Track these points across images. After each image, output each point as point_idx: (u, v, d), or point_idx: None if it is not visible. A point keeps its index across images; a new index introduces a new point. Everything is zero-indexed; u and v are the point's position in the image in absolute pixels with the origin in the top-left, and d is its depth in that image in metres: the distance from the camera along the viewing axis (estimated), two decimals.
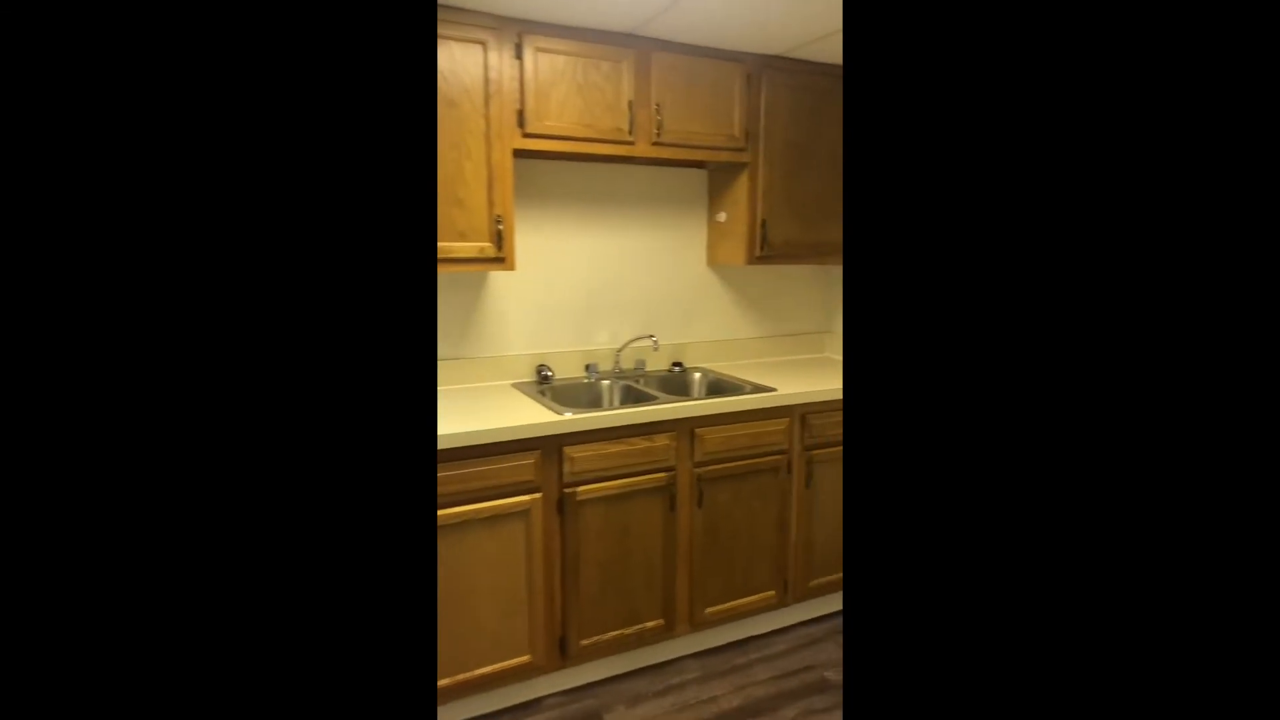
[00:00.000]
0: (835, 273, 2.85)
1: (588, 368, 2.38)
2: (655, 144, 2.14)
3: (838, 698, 1.96)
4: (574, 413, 1.87)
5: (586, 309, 2.42)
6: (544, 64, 1.95)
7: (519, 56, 1.92)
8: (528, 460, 1.80)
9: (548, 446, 1.83)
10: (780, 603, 2.25)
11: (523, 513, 1.82)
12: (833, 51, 2.25)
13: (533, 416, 1.83)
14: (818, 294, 2.87)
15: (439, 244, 1.88)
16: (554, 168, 2.30)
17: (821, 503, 2.28)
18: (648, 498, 1.99)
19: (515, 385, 2.23)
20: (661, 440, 1.98)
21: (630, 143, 2.10)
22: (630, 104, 2.08)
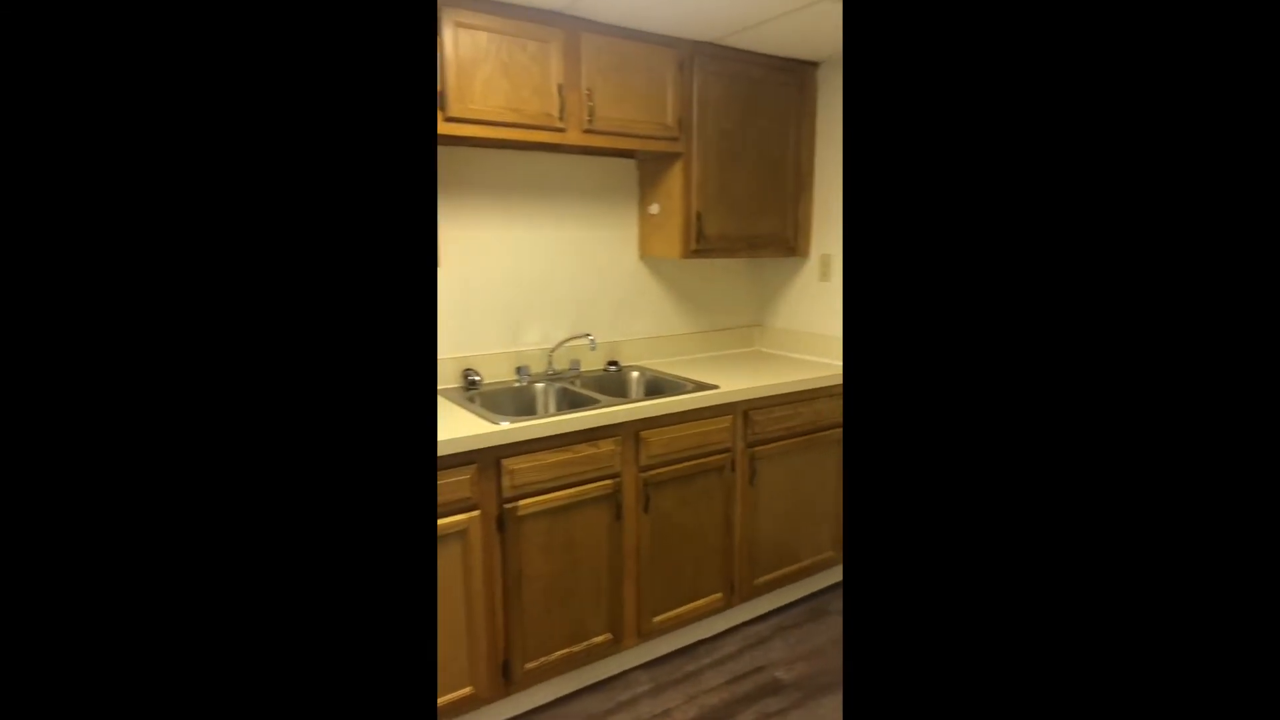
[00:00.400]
0: (766, 265, 2.83)
1: (519, 370, 2.24)
2: (587, 131, 2.02)
3: (791, 699, 1.94)
4: (511, 421, 1.72)
5: (515, 307, 2.26)
6: (466, 41, 1.78)
7: (438, 31, 1.74)
8: (463, 476, 1.64)
9: (484, 459, 1.68)
10: (727, 604, 2.20)
11: (459, 533, 1.66)
12: (764, 40, 2.20)
13: (466, 428, 1.68)
14: (749, 287, 2.84)
15: None
16: (478, 155, 2.12)
17: (765, 499, 2.24)
18: (593, 507, 1.88)
19: (440, 392, 2.05)
20: (606, 446, 1.87)
21: (561, 129, 1.97)
22: (560, 88, 1.94)
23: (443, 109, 1.77)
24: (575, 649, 1.90)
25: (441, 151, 2.05)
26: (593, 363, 2.43)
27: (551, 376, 2.26)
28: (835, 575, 2.55)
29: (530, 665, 1.82)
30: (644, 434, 1.94)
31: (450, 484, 1.62)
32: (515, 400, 2.15)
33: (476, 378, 2.14)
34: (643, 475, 1.96)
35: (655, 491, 1.99)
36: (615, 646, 1.98)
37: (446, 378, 2.14)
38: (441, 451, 1.60)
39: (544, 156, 2.25)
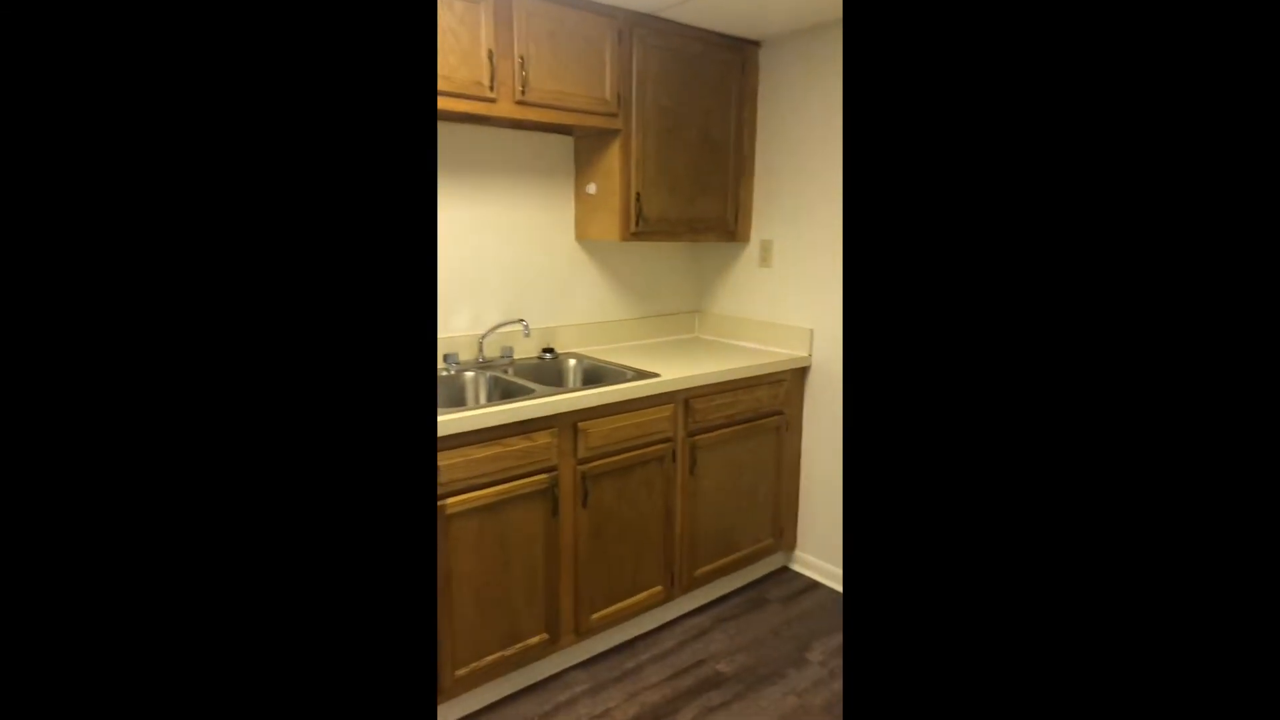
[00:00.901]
0: (705, 250, 2.77)
1: (446, 358, 2.10)
2: (520, 103, 1.89)
3: (733, 691, 1.90)
4: (440, 415, 1.60)
5: (443, 291, 2.12)
6: None
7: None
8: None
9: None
10: (667, 597, 2.15)
11: None
12: (701, 13, 2.12)
13: None
14: (688, 272, 2.78)
15: None
16: None
17: (705, 489, 2.19)
18: (527, 503, 1.78)
19: None
20: (542, 438, 1.76)
21: (491, 99, 1.83)
22: (490, 54, 1.81)
23: None
24: (509, 652, 1.80)
25: None
26: (527, 350, 2.31)
27: (482, 365, 2.14)
28: (774, 563, 2.54)
29: (461, 672, 1.71)
30: (582, 425, 1.84)
31: None
32: (443, 391, 2.02)
33: None
34: (581, 468, 1.87)
35: (594, 484, 1.90)
36: (552, 646, 1.90)
37: None
38: None
39: (474, 130, 2.11)
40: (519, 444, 1.72)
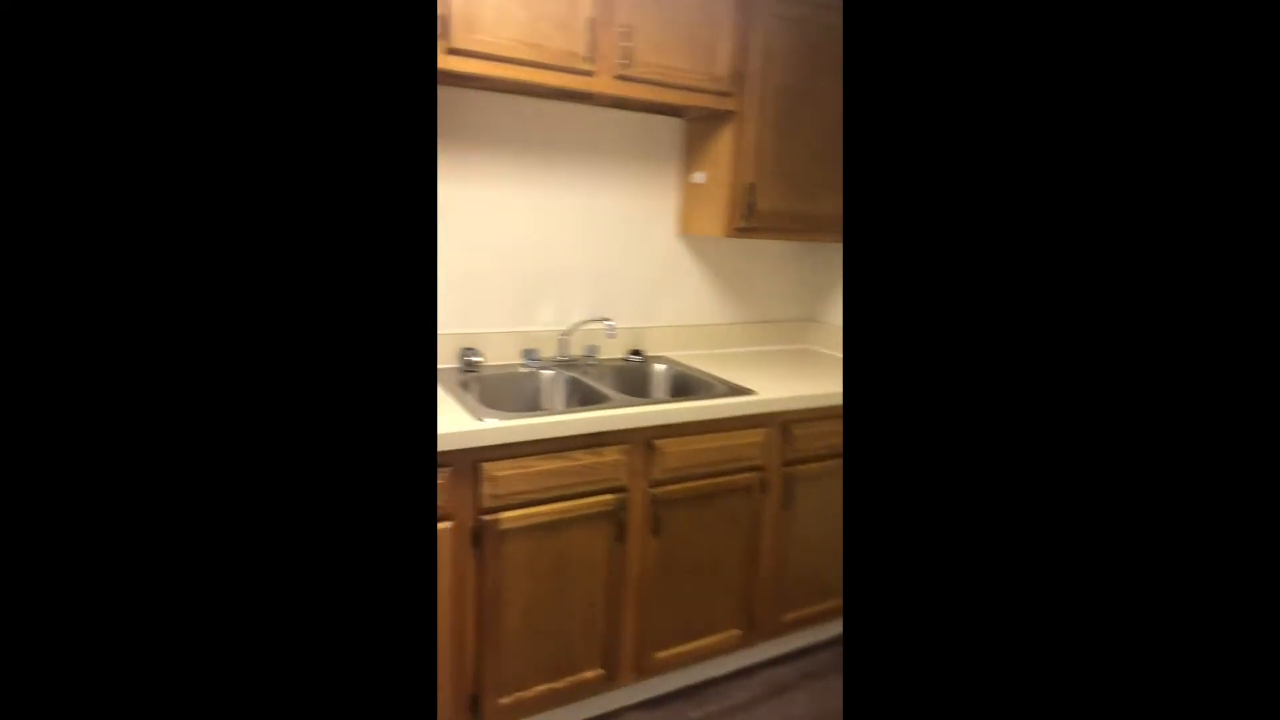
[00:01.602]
0: (825, 252, 2.46)
1: (526, 354, 1.95)
2: (620, 78, 1.69)
3: None
4: (498, 419, 1.44)
5: (528, 282, 1.97)
6: None
7: None
8: (439, 480, 1.37)
9: (460, 462, 1.41)
10: (745, 642, 1.90)
11: None
12: None
13: (443, 422, 1.40)
14: (803, 275, 2.48)
15: None
16: (487, 101, 1.83)
17: (801, 526, 1.91)
18: (590, 525, 1.59)
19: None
20: (611, 455, 1.57)
21: (588, 73, 1.65)
22: (591, 22, 1.62)
23: (444, 37, 1.47)
24: (560, 684, 1.63)
25: (444, 92, 1.76)
26: (613, 350, 2.13)
27: (563, 363, 1.97)
28: None
29: (504, 700, 1.56)
30: (659, 442, 1.63)
31: None
32: (516, 389, 1.87)
33: (477, 359, 1.87)
34: (653, 491, 1.65)
35: (667, 511, 1.69)
36: (608, 683, 1.71)
37: (443, 356, 1.87)
38: None
39: (570, 108, 1.94)
40: (584, 459, 1.54)
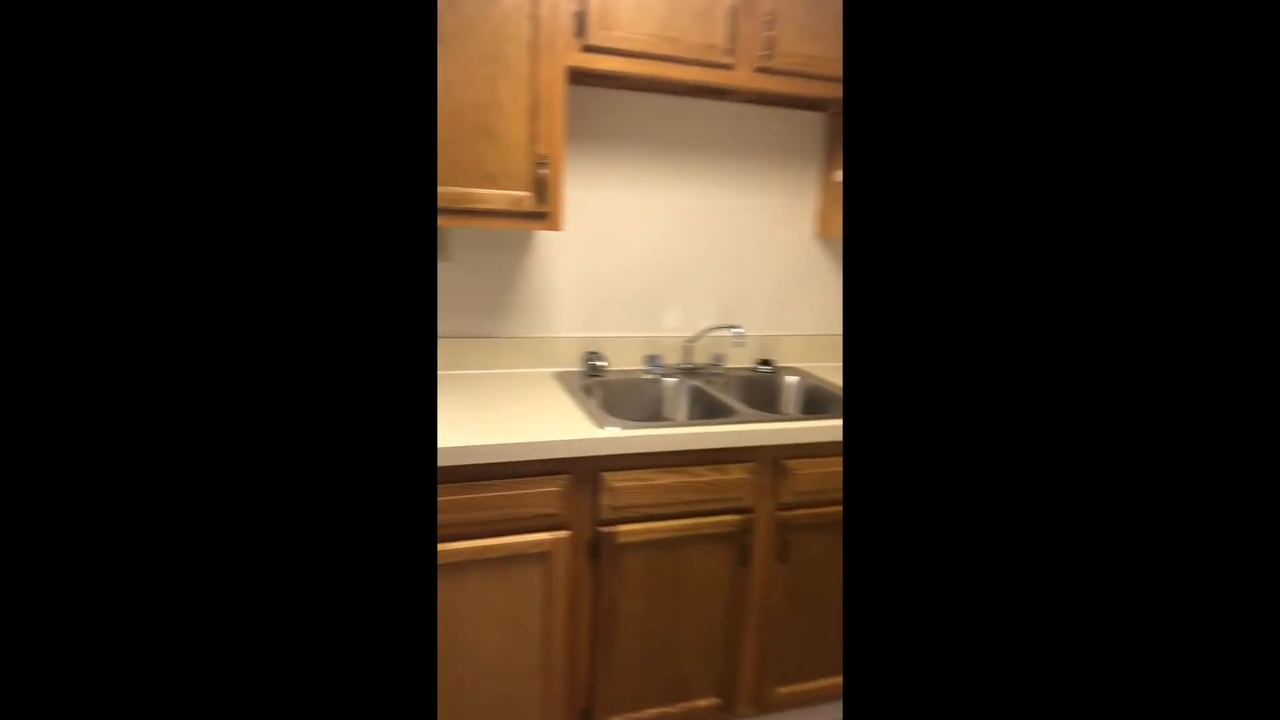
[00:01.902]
0: None
1: (650, 359, 1.89)
2: (761, 70, 1.59)
3: None
4: (621, 428, 1.38)
5: (654, 285, 1.91)
6: None
7: None
8: (552, 487, 1.34)
9: (581, 470, 1.36)
10: None
11: (542, 555, 1.37)
12: None
13: (565, 428, 1.37)
14: None
15: (458, 189, 1.42)
16: (620, 99, 1.78)
17: None
18: (712, 545, 1.49)
19: (558, 375, 1.77)
20: (736, 473, 1.47)
21: (727, 66, 1.56)
22: (732, 11, 1.53)
23: (581, 35, 1.44)
24: (673, 709, 1.55)
25: (576, 92, 1.73)
26: (741, 359, 2.02)
27: (687, 371, 1.89)
28: None
29: None
30: (789, 463, 1.51)
31: (535, 495, 1.33)
32: (639, 396, 1.81)
33: (601, 363, 1.84)
34: (781, 515, 1.53)
35: (797, 537, 1.55)
36: (724, 714, 1.60)
37: (567, 358, 1.86)
38: (530, 455, 1.30)
39: (705, 105, 1.85)
40: (708, 475, 1.44)
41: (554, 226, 1.51)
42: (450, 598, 1.32)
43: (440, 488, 1.26)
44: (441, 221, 1.43)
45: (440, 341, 1.74)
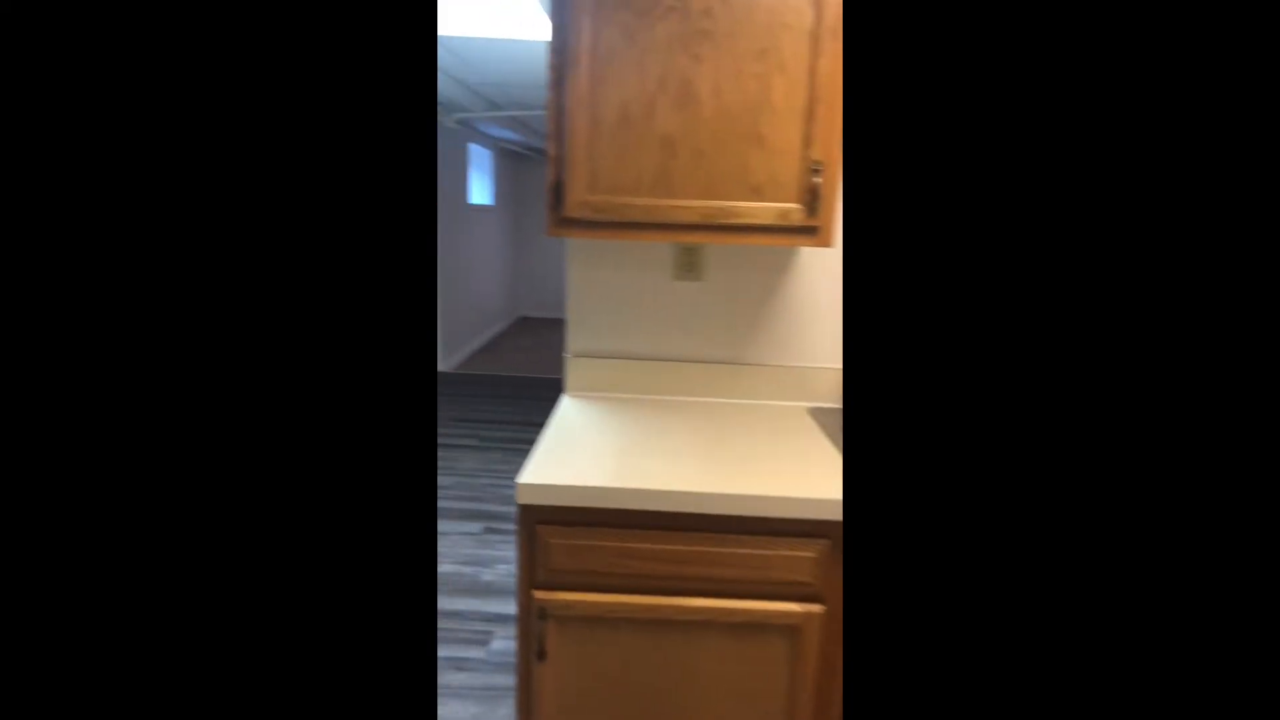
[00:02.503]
0: None
1: None
2: None
3: None
4: None
5: None
6: None
7: None
8: (807, 553, 1.14)
9: (838, 535, 1.14)
10: None
11: (791, 629, 1.17)
12: None
13: (825, 483, 1.15)
14: None
15: (720, 202, 1.28)
16: None
17: None
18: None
19: (814, 412, 1.55)
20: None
21: None
22: None
23: None
24: None
25: None
26: None
27: None
28: None
29: None
30: None
31: (784, 558, 1.13)
32: None
33: None
34: None
35: None
36: None
37: (827, 392, 1.63)
38: (780, 512, 1.11)
39: None
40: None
41: (825, 242, 1.30)
42: (679, 655, 1.18)
43: (685, 534, 1.14)
44: (700, 239, 1.30)
45: (687, 366, 1.64)
